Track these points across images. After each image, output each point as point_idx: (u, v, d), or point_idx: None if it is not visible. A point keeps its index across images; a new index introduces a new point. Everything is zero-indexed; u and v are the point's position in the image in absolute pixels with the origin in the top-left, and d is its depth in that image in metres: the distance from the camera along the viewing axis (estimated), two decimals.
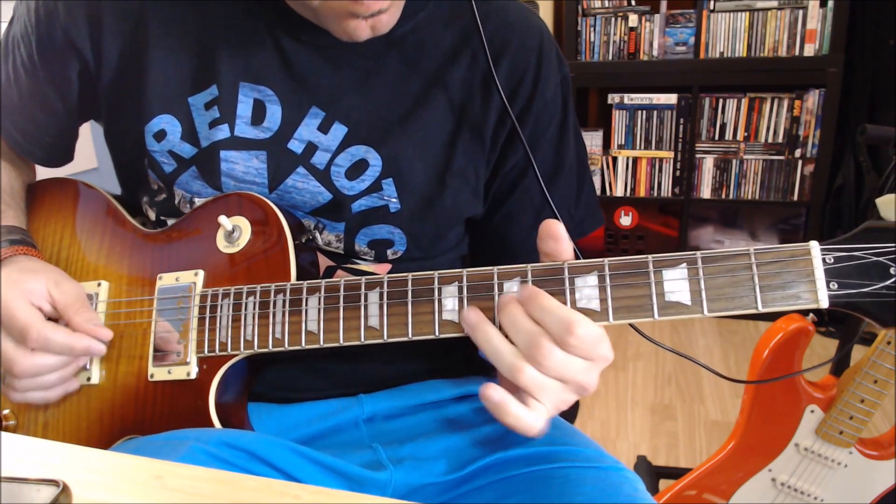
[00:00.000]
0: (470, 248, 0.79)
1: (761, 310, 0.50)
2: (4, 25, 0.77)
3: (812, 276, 0.49)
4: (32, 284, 0.65)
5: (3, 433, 0.52)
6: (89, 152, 1.94)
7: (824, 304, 0.49)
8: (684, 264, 0.51)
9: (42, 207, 0.76)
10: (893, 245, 0.48)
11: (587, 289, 0.53)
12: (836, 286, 0.49)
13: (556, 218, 0.67)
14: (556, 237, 0.54)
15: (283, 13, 0.67)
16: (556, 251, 0.54)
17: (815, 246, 0.50)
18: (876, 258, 0.49)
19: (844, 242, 0.49)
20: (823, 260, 0.49)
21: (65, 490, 0.40)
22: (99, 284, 0.70)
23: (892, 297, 0.48)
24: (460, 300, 0.56)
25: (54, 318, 0.66)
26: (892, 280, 0.48)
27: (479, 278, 0.56)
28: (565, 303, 0.53)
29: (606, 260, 0.53)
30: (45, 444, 0.50)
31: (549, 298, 0.52)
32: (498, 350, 0.53)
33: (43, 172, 0.80)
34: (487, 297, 0.55)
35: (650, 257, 0.52)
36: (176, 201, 0.71)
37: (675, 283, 0.52)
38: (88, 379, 0.68)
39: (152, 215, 0.73)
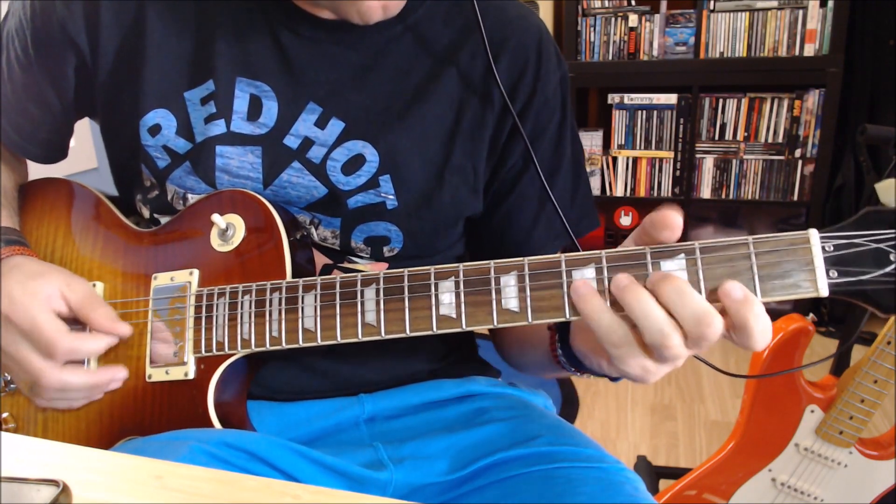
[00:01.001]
0: (469, 248, 0.79)
1: (760, 299, 0.49)
2: None
3: (812, 264, 0.48)
4: (47, 289, 0.64)
5: (3, 433, 0.51)
6: (89, 152, 1.94)
7: (824, 292, 0.48)
8: (682, 255, 0.50)
9: (35, 208, 0.75)
10: (893, 231, 0.47)
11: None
12: (836, 274, 0.48)
13: (558, 214, 0.67)
14: (673, 227, 0.50)
15: (283, 8, 0.67)
16: (669, 240, 0.51)
17: (814, 234, 0.49)
18: (876, 245, 0.48)
19: (844, 229, 0.48)
20: (823, 248, 0.48)
21: (65, 490, 0.40)
22: (94, 285, 0.69)
23: (892, 285, 0.47)
24: (457, 295, 0.56)
25: (71, 318, 0.66)
26: (893, 267, 0.47)
27: (475, 273, 0.56)
28: (562, 296, 0.53)
29: (604, 252, 0.52)
30: (45, 444, 0.49)
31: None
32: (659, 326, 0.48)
33: (41, 171, 0.80)
34: (484, 291, 0.55)
35: (647, 248, 0.51)
36: (168, 197, 0.70)
37: (674, 273, 0.51)
38: None
39: (146, 213, 0.73)
